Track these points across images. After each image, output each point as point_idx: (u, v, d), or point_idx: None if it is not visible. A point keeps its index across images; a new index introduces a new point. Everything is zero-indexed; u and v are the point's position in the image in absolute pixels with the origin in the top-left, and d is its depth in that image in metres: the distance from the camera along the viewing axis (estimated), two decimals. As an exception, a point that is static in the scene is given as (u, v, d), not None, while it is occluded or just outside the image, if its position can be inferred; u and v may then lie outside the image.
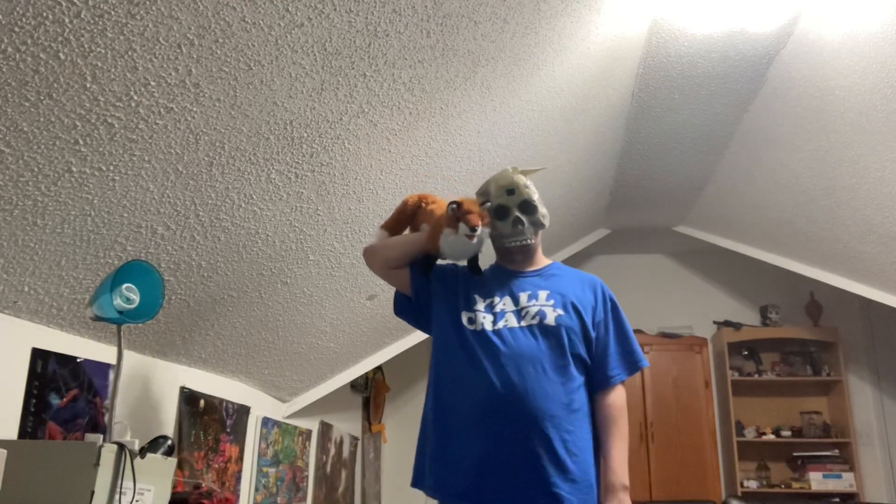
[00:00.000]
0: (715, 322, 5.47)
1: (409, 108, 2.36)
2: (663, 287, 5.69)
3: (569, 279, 1.99)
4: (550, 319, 1.86)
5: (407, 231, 2.14)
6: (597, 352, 1.92)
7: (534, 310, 1.89)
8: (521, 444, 1.77)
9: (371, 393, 5.11)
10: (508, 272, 2.01)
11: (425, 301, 2.03)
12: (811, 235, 4.17)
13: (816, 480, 4.93)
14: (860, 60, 2.77)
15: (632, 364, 1.95)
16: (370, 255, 2.08)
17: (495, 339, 1.85)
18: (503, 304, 1.92)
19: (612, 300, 2.00)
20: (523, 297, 1.92)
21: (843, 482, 4.89)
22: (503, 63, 2.50)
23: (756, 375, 5.26)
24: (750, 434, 5.13)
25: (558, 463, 1.76)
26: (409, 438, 5.51)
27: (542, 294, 1.92)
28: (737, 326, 5.35)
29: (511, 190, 1.93)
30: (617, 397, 1.90)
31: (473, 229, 1.86)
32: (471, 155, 2.87)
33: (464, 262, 2.06)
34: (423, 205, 2.09)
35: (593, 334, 1.92)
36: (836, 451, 5.03)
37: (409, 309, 2.07)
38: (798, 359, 5.30)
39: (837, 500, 4.90)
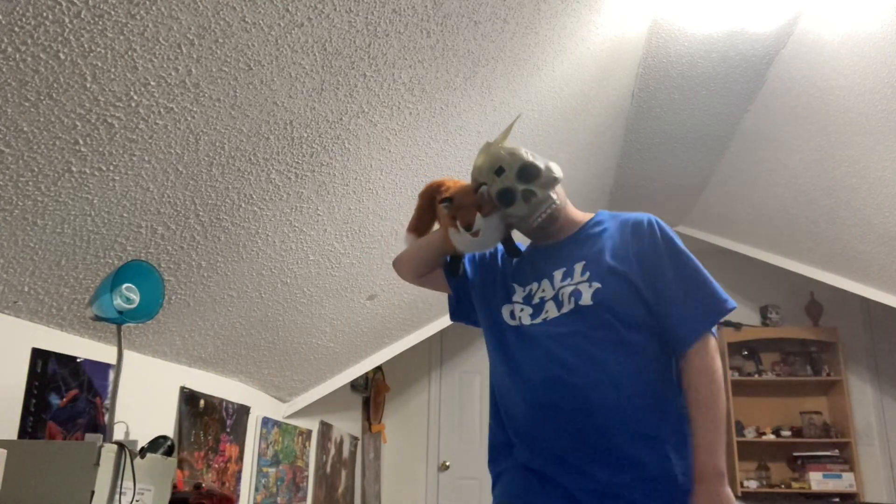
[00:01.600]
0: (715, 322, 5.47)
1: (409, 108, 2.36)
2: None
3: (611, 231, 1.63)
4: (586, 298, 1.53)
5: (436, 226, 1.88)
6: (660, 308, 1.53)
7: (568, 291, 1.56)
8: (583, 454, 1.47)
9: (371, 393, 5.11)
10: (545, 249, 1.69)
11: (469, 301, 1.80)
12: (811, 235, 4.17)
13: (816, 480, 4.92)
14: (860, 60, 2.77)
15: (708, 310, 1.52)
16: (397, 267, 1.87)
17: (536, 336, 1.57)
18: (542, 290, 1.62)
19: (666, 238, 1.59)
20: (557, 276, 1.61)
21: (843, 482, 4.88)
22: (503, 63, 2.50)
23: (756, 375, 5.26)
24: (750, 434, 5.13)
25: (631, 463, 1.44)
26: (409, 438, 5.54)
27: (578, 267, 1.59)
28: (737, 326, 5.35)
29: (499, 169, 1.61)
30: (697, 360, 1.49)
31: (468, 228, 1.62)
32: (471, 155, 2.87)
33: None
34: (436, 197, 1.84)
35: (648, 288, 1.54)
36: (836, 451, 5.03)
37: (460, 312, 1.84)
38: (798, 359, 5.30)
39: (837, 500, 4.90)
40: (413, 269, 1.82)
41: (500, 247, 1.78)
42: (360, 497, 4.89)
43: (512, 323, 1.62)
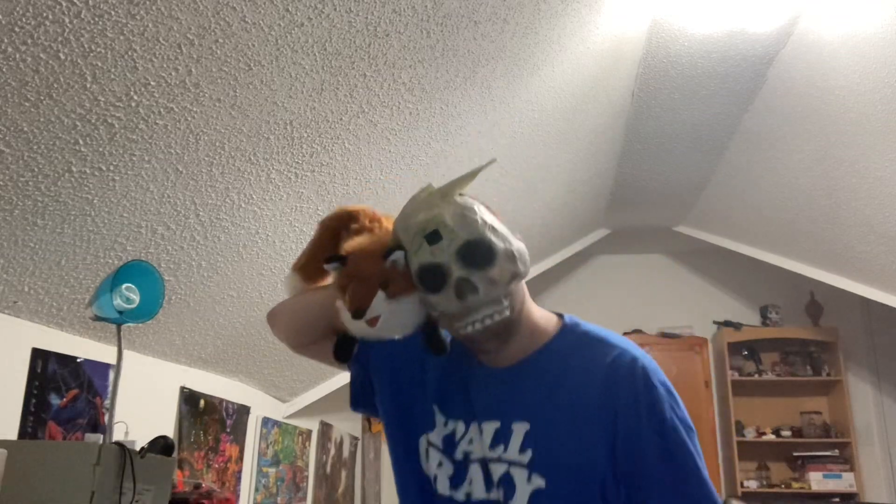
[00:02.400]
0: (715, 322, 5.47)
1: (409, 108, 2.36)
2: (663, 287, 5.68)
3: (577, 374, 1.04)
4: (520, 500, 0.99)
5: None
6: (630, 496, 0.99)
7: (498, 472, 1.02)
8: None
9: (371, 393, 5.11)
10: (476, 365, 1.11)
11: (370, 397, 1.23)
12: (811, 235, 4.17)
13: (816, 480, 4.92)
14: (860, 60, 2.77)
15: None
16: (271, 323, 1.28)
17: None
18: (469, 441, 1.07)
19: (659, 410, 0.99)
20: (488, 431, 1.05)
21: (843, 482, 4.88)
22: (503, 63, 2.50)
23: (756, 375, 5.26)
24: (750, 434, 5.13)
25: None
26: (409, 438, 5.53)
27: (519, 431, 1.02)
28: (737, 326, 5.35)
29: (434, 234, 1.02)
30: None
31: (359, 314, 1.06)
32: (471, 155, 2.87)
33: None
34: (348, 232, 1.19)
35: (619, 479, 0.99)
36: (836, 451, 5.03)
37: (364, 403, 1.25)
38: (798, 359, 5.30)
39: (837, 500, 4.90)
40: (290, 333, 1.26)
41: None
42: (360, 497, 4.89)
43: (427, 471, 1.10)
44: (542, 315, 1.11)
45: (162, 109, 1.73)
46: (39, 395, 2.04)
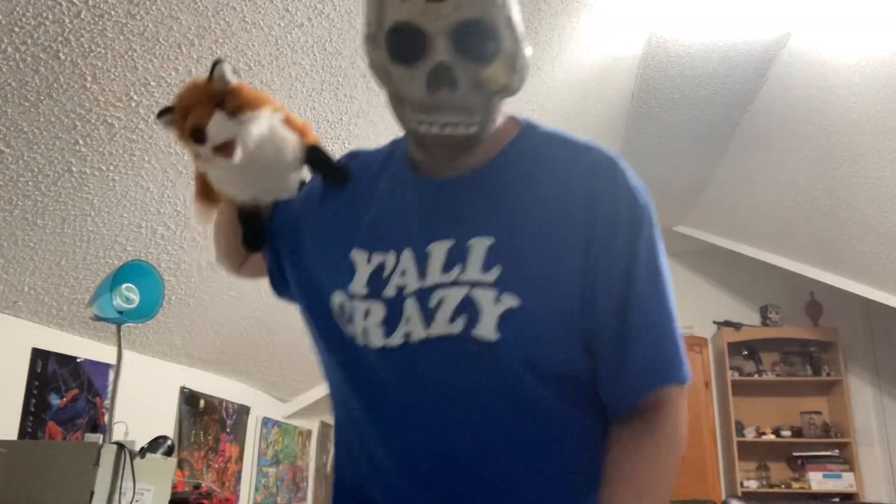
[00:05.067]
0: (715, 322, 5.47)
1: (409, 108, 2.36)
2: (663, 287, 5.68)
3: (545, 180, 0.88)
4: (488, 327, 0.81)
5: None
6: (597, 341, 0.85)
7: (454, 298, 0.83)
8: None
9: (371, 393, 5.11)
10: (416, 180, 0.92)
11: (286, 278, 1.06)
12: (811, 235, 4.17)
13: (816, 480, 4.92)
14: (860, 60, 2.77)
15: (646, 375, 0.85)
16: (218, 263, 1.16)
17: (393, 376, 0.86)
18: (403, 270, 0.87)
19: (636, 222, 0.87)
20: (437, 254, 0.85)
21: (843, 482, 4.88)
22: (503, 63, 2.49)
23: (756, 375, 5.26)
24: (750, 434, 5.13)
25: None
26: (409, 438, 5.53)
27: (478, 248, 0.84)
28: (737, 326, 5.35)
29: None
30: (651, 424, 0.85)
31: (199, 136, 0.87)
32: (471, 155, 2.87)
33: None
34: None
35: (589, 305, 0.84)
36: (836, 451, 5.03)
37: (283, 289, 1.10)
38: (798, 359, 5.30)
39: (837, 500, 4.89)
40: (224, 260, 1.12)
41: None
42: (360, 497, 4.89)
43: (347, 332, 0.89)
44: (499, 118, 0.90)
45: (162, 109, 1.73)
46: (39, 395, 2.04)
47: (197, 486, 2.50)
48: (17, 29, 1.37)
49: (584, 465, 0.86)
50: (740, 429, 5.13)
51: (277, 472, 3.58)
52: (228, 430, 3.10)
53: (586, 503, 0.84)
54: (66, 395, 2.14)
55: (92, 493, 1.66)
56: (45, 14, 1.37)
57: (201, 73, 1.71)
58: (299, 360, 3.42)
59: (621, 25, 2.85)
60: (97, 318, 1.94)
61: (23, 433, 1.97)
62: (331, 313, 0.91)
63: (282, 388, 3.60)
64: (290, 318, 3.00)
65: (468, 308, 0.82)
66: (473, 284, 0.82)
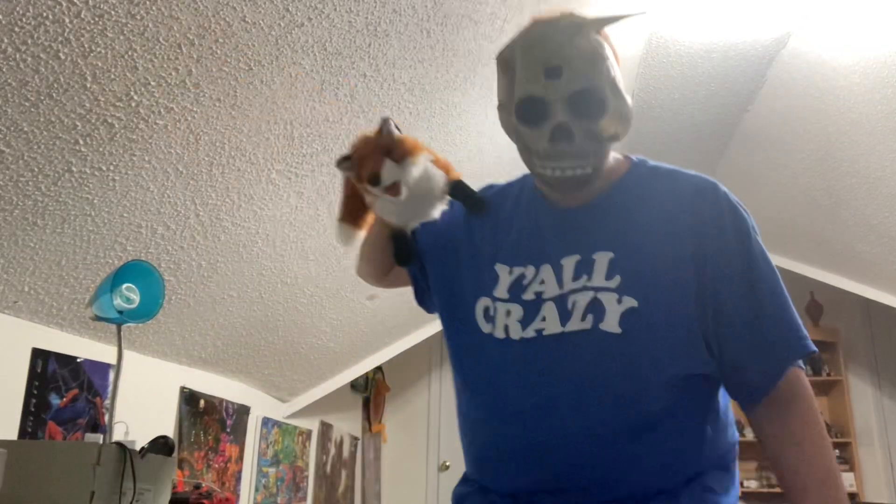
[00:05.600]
0: (715, 322, 5.47)
1: (409, 108, 2.36)
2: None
3: (658, 205, 1.06)
4: (611, 322, 0.99)
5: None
6: (724, 333, 1.01)
7: (584, 300, 1.01)
8: None
9: (371, 393, 5.11)
10: (548, 209, 1.12)
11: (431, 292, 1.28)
12: (811, 235, 4.17)
13: (816, 480, 4.92)
14: (860, 60, 2.77)
15: (786, 350, 1.03)
16: (360, 274, 1.39)
17: (526, 361, 1.03)
18: (541, 281, 1.06)
19: (743, 227, 1.05)
20: (568, 266, 1.04)
21: (843, 482, 4.88)
22: (503, 63, 2.49)
23: (756, 375, 5.26)
24: (750, 434, 5.13)
25: None
26: (409, 438, 5.53)
27: (602, 260, 1.03)
28: (737, 326, 5.35)
29: (555, 69, 0.99)
30: (792, 405, 1.03)
31: (375, 180, 1.10)
32: (471, 155, 2.87)
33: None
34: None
35: (709, 312, 1.01)
36: (836, 451, 5.03)
37: (425, 301, 1.32)
38: (798, 359, 5.30)
39: (837, 500, 4.90)
40: (371, 273, 1.34)
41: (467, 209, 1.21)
42: (361, 497, 4.89)
43: (486, 328, 1.08)
44: (612, 157, 1.11)
45: (162, 109, 1.73)
46: (39, 395, 2.04)
47: (197, 486, 2.50)
48: (17, 29, 1.37)
49: (684, 454, 1.03)
50: (740, 429, 5.14)
51: (277, 472, 3.58)
52: (228, 430, 3.11)
53: (681, 488, 1.03)
54: (66, 395, 2.14)
55: (93, 493, 1.66)
56: (45, 14, 1.37)
57: (201, 72, 1.71)
58: (299, 360, 3.42)
59: (621, 25, 2.85)
60: (97, 318, 1.94)
61: (23, 433, 1.97)
62: (472, 314, 1.10)
63: (282, 388, 3.60)
64: (290, 318, 3.01)
65: (595, 308, 1.00)
66: (598, 289, 1.01)
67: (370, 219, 1.26)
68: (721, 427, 1.11)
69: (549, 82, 0.99)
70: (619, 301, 1.00)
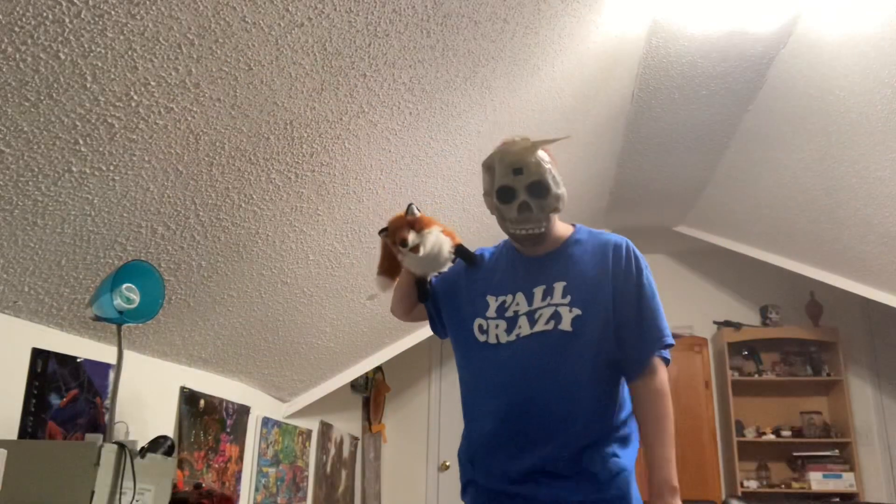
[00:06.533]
0: (715, 322, 5.47)
1: (409, 108, 2.36)
2: (663, 287, 5.57)
3: (591, 252, 1.71)
4: (566, 323, 1.62)
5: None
6: (621, 331, 1.65)
7: (548, 312, 1.64)
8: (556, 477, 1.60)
9: (371, 393, 5.11)
10: (521, 258, 1.76)
11: (442, 318, 1.90)
12: (811, 235, 4.17)
13: (816, 480, 4.92)
14: (860, 60, 2.77)
15: (658, 339, 1.67)
16: (394, 314, 1.98)
17: (508, 356, 1.65)
18: (517, 303, 1.69)
19: (639, 268, 1.70)
20: (537, 293, 1.67)
21: (843, 482, 4.88)
22: (503, 63, 2.50)
23: (756, 375, 5.26)
24: (750, 434, 5.12)
25: (598, 485, 1.58)
26: (409, 438, 5.53)
27: (558, 287, 1.66)
28: (737, 326, 5.35)
29: (518, 169, 1.63)
30: (653, 382, 1.64)
31: (404, 244, 1.71)
32: (471, 155, 2.87)
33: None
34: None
35: (616, 312, 1.66)
36: (836, 451, 5.03)
37: (437, 329, 1.95)
38: (798, 359, 5.30)
39: (837, 500, 4.89)
40: (401, 310, 1.93)
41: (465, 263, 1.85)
42: (360, 497, 4.89)
43: (481, 339, 1.70)
44: (561, 224, 1.77)
45: (162, 109, 1.73)
46: (39, 395, 2.04)
47: (197, 486, 2.50)
48: (17, 29, 1.37)
49: (614, 407, 1.65)
50: (740, 429, 5.13)
51: (277, 472, 3.58)
52: (228, 430, 3.10)
53: (616, 426, 1.64)
54: (66, 395, 2.14)
55: (93, 493, 1.66)
56: (45, 14, 1.37)
57: (201, 72, 1.71)
58: (299, 360, 3.41)
59: (621, 25, 2.85)
60: (97, 318, 1.94)
61: (23, 433, 1.97)
62: (472, 331, 1.72)
63: (282, 388, 3.60)
64: (290, 318, 3.01)
65: (556, 316, 1.64)
66: (557, 305, 1.65)
67: (399, 272, 1.85)
68: (622, 401, 1.68)
69: (516, 177, 1.64)
70: (570, 311, 1.64)
